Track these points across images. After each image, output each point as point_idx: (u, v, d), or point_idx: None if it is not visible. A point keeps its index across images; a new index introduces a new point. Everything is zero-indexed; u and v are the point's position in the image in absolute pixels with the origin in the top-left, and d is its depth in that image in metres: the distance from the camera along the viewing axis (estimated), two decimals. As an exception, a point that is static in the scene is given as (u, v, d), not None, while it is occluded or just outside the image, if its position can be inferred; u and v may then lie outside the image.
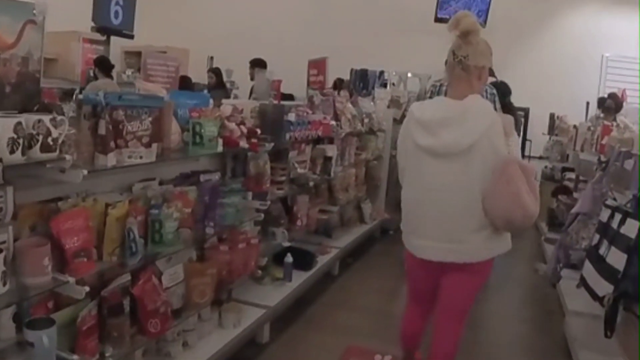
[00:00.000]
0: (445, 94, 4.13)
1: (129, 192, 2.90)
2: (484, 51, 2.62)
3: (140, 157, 2.63)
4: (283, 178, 4.14)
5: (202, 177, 3.48)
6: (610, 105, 7.32)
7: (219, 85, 8.88)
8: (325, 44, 8.81)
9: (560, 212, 6.06)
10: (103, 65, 7.03)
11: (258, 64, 8.13)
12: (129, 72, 8.27)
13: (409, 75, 7.42)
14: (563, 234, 3.92)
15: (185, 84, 9.38)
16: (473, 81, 2.63)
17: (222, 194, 3.40)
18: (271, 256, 4.35)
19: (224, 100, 3.75)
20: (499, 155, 2.50)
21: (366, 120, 5.97)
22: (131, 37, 8.01)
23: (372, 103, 6.46)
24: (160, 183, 3.13)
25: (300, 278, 4.48)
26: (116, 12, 7.61)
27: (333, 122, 5.05)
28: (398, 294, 4.90)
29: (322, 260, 4.97)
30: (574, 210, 3.85)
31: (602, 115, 7.22)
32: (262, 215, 3.78)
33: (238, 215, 3.50)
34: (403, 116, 7.08)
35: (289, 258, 4.30)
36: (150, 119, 2.63)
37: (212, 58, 10.26)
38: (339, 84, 8.10)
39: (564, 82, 9.48)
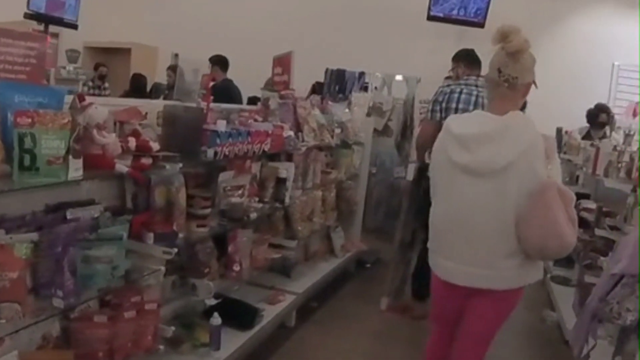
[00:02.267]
0: (459, 101, 4.24)
1: None
2: (531, 66, 2.49)
3: None
4: (207, 211, 2.97)
5: (70, 214, 2.32)
6: (604, 119, 7.00)
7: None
8: (303, 42, 7.73)
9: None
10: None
11: (218, 62, 7.01)
12: (70, 67, 7.13)
13: (397, 78, 6.24)
14: (599, 302, 2.76)
15: (137, 83, 8.32)
16: (518, 99, 2.53)
17: (87, 244, 2.23)
18: (200, 313, 3.22)
19: (98, 100, 2.59)
20: (537, 178, 2.37)
21: (338, 131, 4.80)
22: (74, 27, 6.89)
23: (347, 110, 5.28)
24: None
25: (235, 342, 3.33)
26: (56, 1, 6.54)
27: (290, 133, 3.88)
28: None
29: (272, 312, 3.81)
30: (616, 271, 2.71)
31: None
32: (162, 268, 2.61)
33: (116, 272, 2.33)
34: (386, 127, 5.95)
35: (215, 319, 3.13)
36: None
37: (176, 55, 9.06)
38: (317, 89, 6.94)
39: (571, 93, 8.31)
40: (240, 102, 6.70)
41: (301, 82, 6.50)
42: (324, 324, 4.39)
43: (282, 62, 5.17)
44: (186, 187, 3.10)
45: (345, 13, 8.63)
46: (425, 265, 4.68)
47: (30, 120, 1.93)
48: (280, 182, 3.80)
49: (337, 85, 6.18)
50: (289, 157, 4.07)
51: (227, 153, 2.97)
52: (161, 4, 9.83)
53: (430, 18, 7.91)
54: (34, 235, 2.08)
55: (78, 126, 2.07)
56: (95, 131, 2.20)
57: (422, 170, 4.60)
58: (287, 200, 3.87)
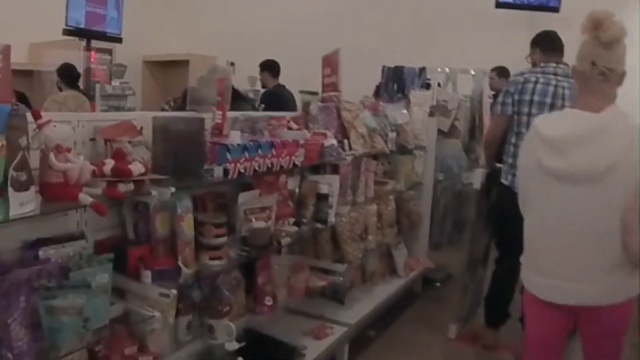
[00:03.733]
0: (534, 92, 3.67)
1: None
2: (625, 53, 2.27)
3: None
4: (221, 240, 2.49)
5: (43, 254, 1.91)
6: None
7: (236, 96, 7.31)
8: (361, 42, 7.23)
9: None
10: (66, 75, 5.64)
11: (267, 67, 6.59)
12: (116, 82, 6.83)
13: (460, 72, 5.61)
14: None
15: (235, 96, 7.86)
16: (613, 91, 2.31)
17: (50, 293, 1.79)
18: (224, 357, 2.75)
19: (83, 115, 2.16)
20: None
21: (393, 135, 4.24)
22: (119, 40, 6.62)
23: (404, 111, 4.70)
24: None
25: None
26: (96, 14, 6.27)
27: (333, 141, 3.36)
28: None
29: (318, 348, 3.29)
30: None
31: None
32: (156, 315, 2.15)
33: (89, 324, 1.88)
34: (452, 127, 5.33)
35: (240, 365, 2.65)
36: None
37: (232, 64, 8.73)
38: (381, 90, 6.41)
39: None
40: (294, 108, 6.24)
41: (364, 84, 6.02)
42: (382, 356, 3.84)
43: (330, 62, 4.67)
44: (205, 210, 2.68)
45: (404, 5, 8.03)
46: (499, 287, 4.22)
47: (-53, 143, 1.51)
48: (322, 198, 3.28)
49: (394, 83, 5.59)
50: (335, 168, 3.55)
51: (242, 170, 2.49)
52: (216, 13, 9.50)
53: (499, 5, 7.21)
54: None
55: (21, 150, 1.63)
56: (52, 155, 1.76)
57: (492, 176, 4.03)
58: (330, 219, 3.35)
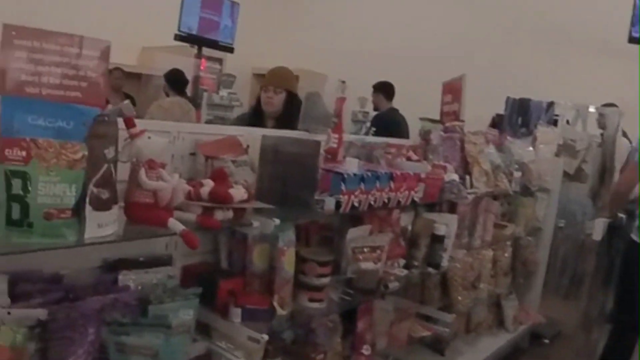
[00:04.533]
0: None
1: None
2: None
3: None
4: (324, 280, 2.16)
5: (122, 279, 1.65)
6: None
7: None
8: (481, 67, 6.78)
9: None
10: (174, 81, 5.51)
11: (381, 89, 6.28)
12: (224, 92, 6.70)
13: (591, 109, 5.08)
14: None
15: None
16: None
17: (122, 329, 1.51)
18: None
19: (186, 126, 1.87)
20: None
21: (517, 174, 3.81)
22: (230, 50, 6.48)
23: (530, 148, 4.25)
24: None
25: None
26: (210, 21, 6.16)
27: (454, 176, 2.99)
28: None
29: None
30: None
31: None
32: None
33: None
34: (579, 170, 4.82)
35: None
36: None
37: (343, 82, 8.46)
38: (498, 122, 5.95)
39: None
40: (406, 135, 5.90)
41: (479, 113, 5.58)
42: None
43: (453, 89, 4.31)
44: (308, 243, 2.37)
45: (530, 33, 7.50)
46: (616, 352, 3.71)
47: (24, 153, 1.25)
48: (437, 240, 2.91)
49: (519, 117, 5.14)
50: (452, 207, 3.17)
51: (356, 203, 2.16)
52: (330, 30, 9.28)
53: (632, 40, 6.61)
54: (40, 312, 1.40)
55: (106, 163, 1.36)
56: (143, 171, 1.48)
57: (616, 228, 3.56)
58: (444, 264, 2.97)
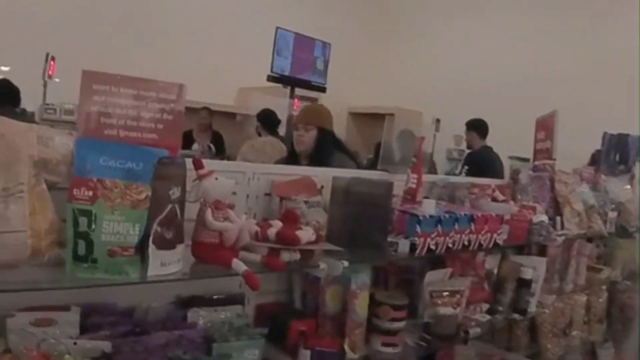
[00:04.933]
0: None
1: None
2: None
3: None
4: (398, 325, 2.11)
5: (191, 315, 1.71)
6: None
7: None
8: (577, 103, 6.53)
9: None
10: (266, 120, 5.63)
11: (475, 127, 6.17)
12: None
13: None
14: None
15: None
16: None
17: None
18: None
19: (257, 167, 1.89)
20: None
21: (613, 215, 3.61)
22: (322, 90, 6.57)
23: (628, 186, 4.04)
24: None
25: None
26: (302, 62, 6.28)
27: (543, 218, 2.87)
28: None
29: None
30: None
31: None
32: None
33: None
34: (682, 212, 4.52)
35: None
36: None
37: (438, 120, 8.38)
38: (598, 159, 5.69)
39: None
40: (501, 173, 5.73)
41: (575, 150, 5.37)
42: None
43: (546, 125, 4.16)
44: (385, 285, 2.34)
45: (626, 67, 7.21)
46: None
47: (91, 193, 1.30)
48: (523, 284, 2.79)
49: (617, 153, 4.88)
50: (543, 249, 3.04)
51: (433, 246, 2.10)
52: (424, 68, 9.23)
53: None
54: (105, 344, 1.44)
55: (170, 203, 1.39)
56: (209, 212, 1.50)
57: None
58: (531, 309, 2.84)
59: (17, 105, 4.68)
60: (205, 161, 1.59)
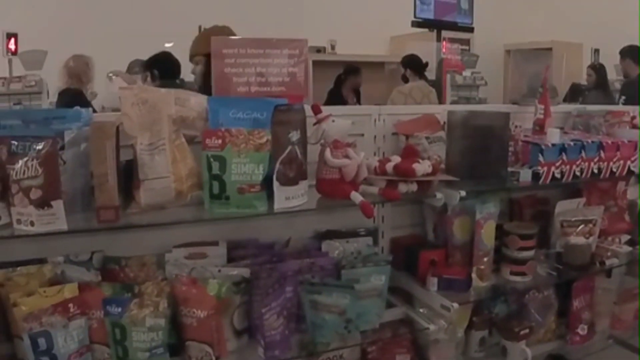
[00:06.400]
0: None
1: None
2: None
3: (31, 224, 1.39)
4: (526, 254, 2.17)
5: (325, 246, 1.90)
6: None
7: (598, 86, 6.66)
8: None
9: None
10: (412, 66, 5.67)
11: (629, 54, 5.82)
12: (468, 72, 6.69)
13: None
14: None
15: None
16: None
17: (314, 288, 1.72)
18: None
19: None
20: None
21: None
22: (470, 30, 6.48)
23: None
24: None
25: None
26: (446, 4, 6.22)
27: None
28: None
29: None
30: None
31: None
32: (431, 327, 1.94)
33: (351, 325, 1.78)
34: None
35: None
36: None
37: (597, 51, 7.96)
38: None
39: None
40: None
41: None
42: None
43: None
44: (521, 216, 2.39)
45: None
46: None
47: (220, 141, 1.52)
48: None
49: None
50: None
51: (558, 175, 2.13)
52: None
53: None
54: (244, 271, 1.69)
55: (290, 145, 1.58)
56: (328, 150, 1.68)
57: None
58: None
59: (177, 77, 5.09)
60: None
